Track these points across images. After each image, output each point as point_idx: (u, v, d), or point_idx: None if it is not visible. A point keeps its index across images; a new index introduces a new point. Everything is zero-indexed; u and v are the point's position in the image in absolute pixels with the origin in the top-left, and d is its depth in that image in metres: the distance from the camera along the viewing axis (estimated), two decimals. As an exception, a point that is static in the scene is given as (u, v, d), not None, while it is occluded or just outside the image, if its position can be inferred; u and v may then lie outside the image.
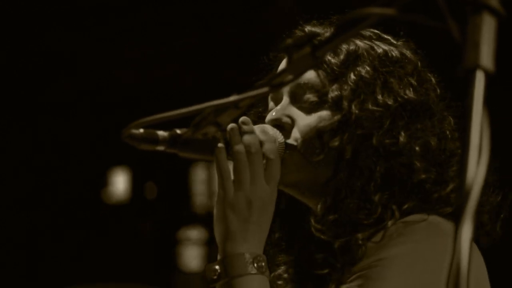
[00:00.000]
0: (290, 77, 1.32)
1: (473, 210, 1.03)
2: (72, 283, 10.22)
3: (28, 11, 8.95)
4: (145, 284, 10.62)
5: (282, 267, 1.95)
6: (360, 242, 1.73)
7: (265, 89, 1.33)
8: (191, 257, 11.49)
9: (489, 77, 1.07)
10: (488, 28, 1.08)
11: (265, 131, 1.83)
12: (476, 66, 1.07)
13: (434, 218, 1.74)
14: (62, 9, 9.00)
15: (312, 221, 1.83)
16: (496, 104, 1.34)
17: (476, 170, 1.04)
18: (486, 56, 1.07)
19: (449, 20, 1.14)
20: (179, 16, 9.08)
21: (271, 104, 1.96)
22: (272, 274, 1.94)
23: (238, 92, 1.36)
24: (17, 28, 9.27)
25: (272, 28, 8.09)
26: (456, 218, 1.04)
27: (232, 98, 1.35)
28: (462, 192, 1.03)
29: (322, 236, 1.79)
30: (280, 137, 1.85)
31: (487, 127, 1.06)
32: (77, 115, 10.68)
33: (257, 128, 1.86)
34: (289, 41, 1.32)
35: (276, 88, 1.33)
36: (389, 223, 1.74)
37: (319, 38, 1.31)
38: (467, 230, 1.02)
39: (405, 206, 1.76)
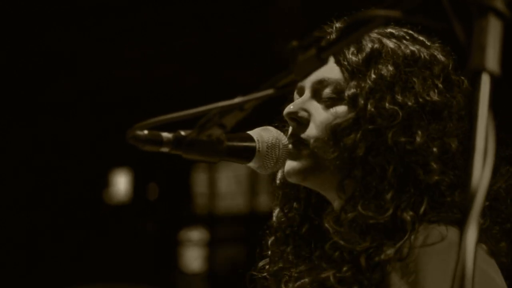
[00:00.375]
0: (295, 79, 1.32)
1: (478, 214, 1.03)
2: (72, 283, 10.21)
3: (28, 11, 8.95)
4: (146, 284, 10.62)
5: (306, 279, 1.91)
6: (388, 259, 1.72)
7: (270, 91, 1.33)
8: (192, 258, 11.50)
9: (494, 80, 1.07)
10: (494, 31, 1.08)
11: (268, 130, 1.85)
12: (482, 68, 1.07)
13: (452, 235, 1.72)
14: (62, 9, 9.00)
15: (331, 221, 1.83)
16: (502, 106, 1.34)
17: (481, 173, 1.04)
18: (492, 58, 1.07)
19: (455, 22, 1.14)
20: (179, 16, 9.09)
21: (296, 97, 1.96)
22: (297, 285, 1.92)
23: (243, 94, 1.36)
24: (17, 28, 9.27)
25: (272, 28, 8.12)
26: (461, 221, 1.04)
27: (237, 100, 1.35)
28: (467, 196, 1.03)
29: (340, 241, 1.78)
30: (283, 139, 1.86)
31: (493, 130, 1.06)
32: (78, 115, 10.68)
33: (260, 128, 1.86)
34: (294, 43, 1.32)
35: (281, 90, 1.33)
36: (410, 236, 1.72)
37: (324, 40, 1.31)
38: (472, 234, 1.02)
39: (421, 211, 1.75)
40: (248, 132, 1.85)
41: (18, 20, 9.18)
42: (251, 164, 1.84)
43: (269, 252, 2.02)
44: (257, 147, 1.82)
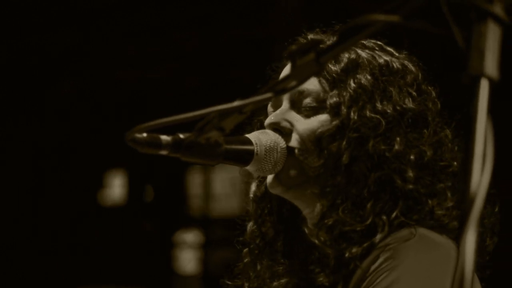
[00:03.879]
0: (293, 83, 1.32)
1: (477, 218, 1.04)
2: (67, 285, 10.20)
3: (30, 13, 8.95)
4: (140, 286, 10.61)
5: (282, 280, 1.96)
6: (354, 256, 1.75)
7: (269, 95, 1.33)
8: (187, 260, 11.49)
9: (493, 85, 1.08)
10: (493, 36, 1.08)
11: (266, 133, 1.86)
12: (481, 74, 1.07)
13: (422, 231, 1.76)
14: (64, 10, 9.00)
15: (309, 225, 1.86)
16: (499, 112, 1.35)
17: (480, 178, 1.04)
18: (491, 64, 1.08)
19: (454, 27, 1.15)
20: (182, 16, 9.09)
21: (270, 109, 1.98)
22: (275, 284, 1.96)
23: (242, 97, 1.36)
24: (18, 30, 9.26)
25: (275, 29, 8.13)
26: (460, 225, 1.04)
27: (236, 103, 1.35)
28: (466, 200, 1.04)
29: (316, 241, 1.81)
30: (281, 142, 1.87)
31: (491, 135, 1.06)
32: (74, 117, 10.67)
33: (259, 132, 1.87)
34: (293, 47, 1.32)
35: (279, 94, 1.34)
36: (378, 237, 1.75)
37: (323, 44, 1.31)
38: (471, 238, 1.03)
39: (394, 215, 1.77)
40: (247, 135, 1.86)
41: (20, 22, 9.17)
42: (249, 168, 1.85)
43: (243, 263, 2.05)
44: (255, 150, 1.83)
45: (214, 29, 9.18)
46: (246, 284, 2.02)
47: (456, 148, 1.90)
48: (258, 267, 1.99)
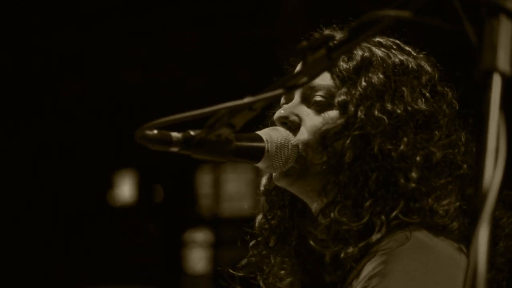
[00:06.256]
0: (304, 79, 1.32)
1: (490, 214, 1.03)
2: (77, 285, 10.22)
3: (33, 14, 8.97)
4: (150, 286, 10.62)
5: (290, 277, 1.97)
6: (349, 257, 1.75)
7: (279, 91, 1.33)
8: (197, 259, 11.49)
9: (506, 80, 1.07)
10: (505, 31, 1.08)
11: (277, 130, 1.85)
12: (493, 69, 1.07)
13: (417, 235, 1.74)
14: (67, 11, 9.02)
15: (307, 225, 1.86)
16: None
17: (493, 173, 1.04)
18: (503, 59, 1.07)
19: (466, 22, 1.14)
20: (185, 17, 9.10)
21: (282, 101, 1.98)
22: (283, 281, 1.96)
23: (253, 94, 1.36)
24: (21, 31, 9.29)
25: (275, 29, 8.13)
26: (472, 221, 1.04)
27: (246, 100, 1.35)
28: (479, 196, 1.03)
29: (311, 242, 1.81)
30: (292, 138, 1.86)
31: (504, 131, 1.06)
32: (83, 117, 10.68)
33: (269, 129, 1.87)
34: (304, 43, 1.33)
35: (290, 90, 1.34)
36: (374, 237, 1.74)
37: (334, 40, 1.31)
38: (484, 234, 1.02)
39: (393, 215, 1.76)
40: (257, 132, 1.85)
41: (23, 23, 9.20)
42: (260, 165, 1.85)
43: (249, 254, 2.04)
44: (266, 147, 1.83)
45: (214, 29, 9.18)
46: (260, 278, 2.01)
47: (470, 151, 1.87)
48: (272, 261, 1.98)
